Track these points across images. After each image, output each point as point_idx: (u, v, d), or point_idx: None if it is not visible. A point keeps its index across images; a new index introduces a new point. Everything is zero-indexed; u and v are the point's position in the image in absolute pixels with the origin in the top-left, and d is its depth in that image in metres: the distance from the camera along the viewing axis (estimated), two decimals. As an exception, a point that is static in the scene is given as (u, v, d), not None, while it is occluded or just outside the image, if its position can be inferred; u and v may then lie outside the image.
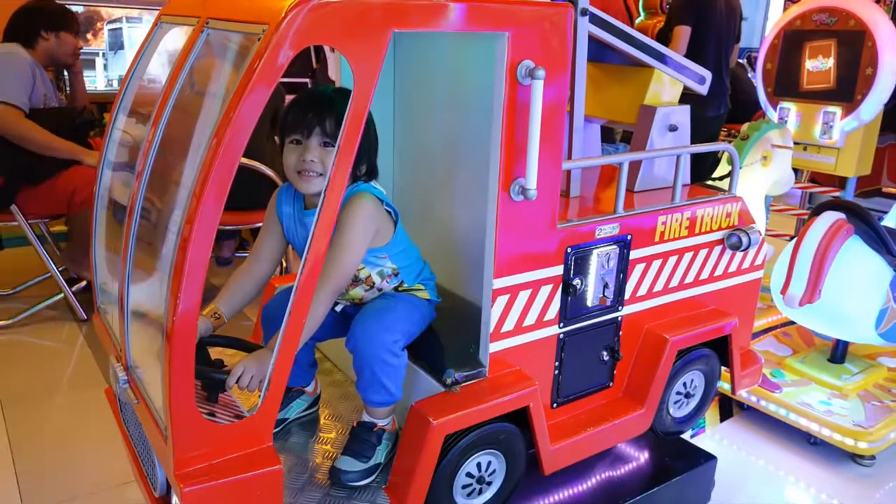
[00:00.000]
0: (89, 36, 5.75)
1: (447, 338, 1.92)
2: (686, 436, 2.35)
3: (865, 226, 2.65)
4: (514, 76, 1.59)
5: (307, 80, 5.20)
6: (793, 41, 3.55)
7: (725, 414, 3.02)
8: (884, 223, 2.88)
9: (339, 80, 2.16)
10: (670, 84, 2.41)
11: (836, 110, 3.40)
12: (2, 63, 3.47)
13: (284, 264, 3.48)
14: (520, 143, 1.64)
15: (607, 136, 4.57)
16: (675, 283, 2.13)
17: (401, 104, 2.26)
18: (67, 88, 4.23)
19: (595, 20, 2.12)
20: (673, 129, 2.36)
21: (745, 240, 2.17)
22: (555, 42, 1.64)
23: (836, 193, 3.68)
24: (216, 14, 1.54)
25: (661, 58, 2.32)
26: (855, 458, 2.69)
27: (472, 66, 1.97)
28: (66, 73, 4.20)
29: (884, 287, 2.63)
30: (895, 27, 3.26)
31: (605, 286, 1.94)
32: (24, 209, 3.56)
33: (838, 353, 3.03)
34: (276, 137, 2.31)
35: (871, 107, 3.30)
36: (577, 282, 1.86)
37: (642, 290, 2.05)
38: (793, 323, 3.23)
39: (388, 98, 2.26)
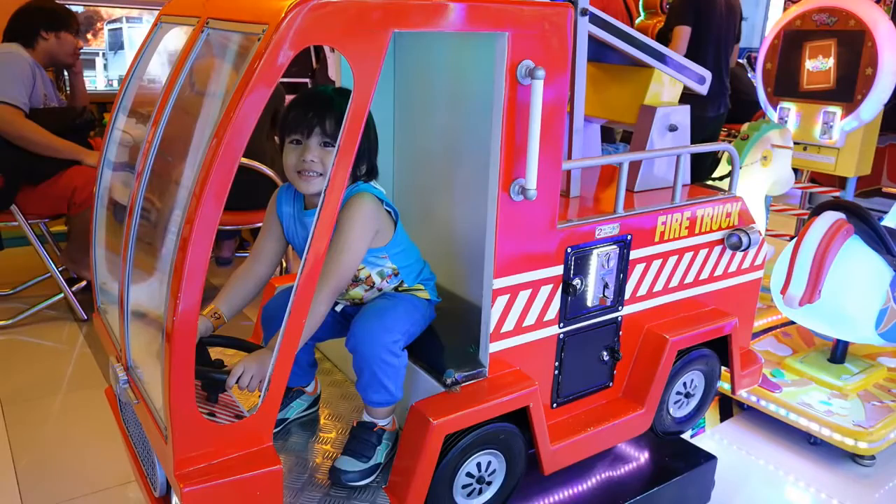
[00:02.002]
0: (89, 36, 5.74)
1: (447, 338, 1.92)
2: (686, 436, 2.35)
3: (865, 226, 2.65)
4: (514, 76, 1.59)
5: (307, 80, 5.21)
6: (793, 41, 3.55)
7: (725, 414, 3.02)
8: (884, 223, 2.88)
9: (339, 80, 2.16)
10: (670, 84, 2.41)
11: (836, 110, 3.40)
12: (2, 63, 3.47)
13: (284, 264, 3.49)
14: (520, 143, 1.64)
15: (607, 136, 4.57)
16: (675, 283, 2.13)
17: (401, 104, 2.26)
18: (67, 88, 4.23)
19: (595, 20, 2.12)
20: (673, 129, 2.36)
21: (745, 240, 2.17)
22: (555, 42, 1.64)
23: (836, 193, 3.68)
24: (216, 14, 1.54)
25: (661, 58, 2.32)
26: (855, 458, 2.69)
27: (472, 66, 1.97)
28: (66, 73, 4.20)
29: (884, 287, 2.63)
30: (895, 27, 3.26)
31: (605, 286, 1.94)
32: (25, 209, 3.56)
33: (838, 353, 3.03)
34: (275, 137, 2.31)
35: (871, 107, 3.30)
36: (577, 282, 1.86)
37: (642, 290, 2.05)
38: (793, 323, 3.23)
39: (388, 98, 2.26)
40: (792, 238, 2.86)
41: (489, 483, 1.81)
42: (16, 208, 3.53)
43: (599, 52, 2.33)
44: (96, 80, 5.89)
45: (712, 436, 2.85)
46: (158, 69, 1.86)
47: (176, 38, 1.78)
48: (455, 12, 1.49)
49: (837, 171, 3.55)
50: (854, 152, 3.46)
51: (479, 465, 1.76)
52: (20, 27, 3.67)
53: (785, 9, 4.58)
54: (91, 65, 5.81)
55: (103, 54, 5.91)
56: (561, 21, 1.63)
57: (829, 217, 2.65)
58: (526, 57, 1.59)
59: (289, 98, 1.92)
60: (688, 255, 2.13)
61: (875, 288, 2.64)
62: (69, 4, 4.67)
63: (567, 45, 1.67)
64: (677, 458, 2.25)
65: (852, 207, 2.69)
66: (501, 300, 1.75)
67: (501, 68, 1.59)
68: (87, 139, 3.73)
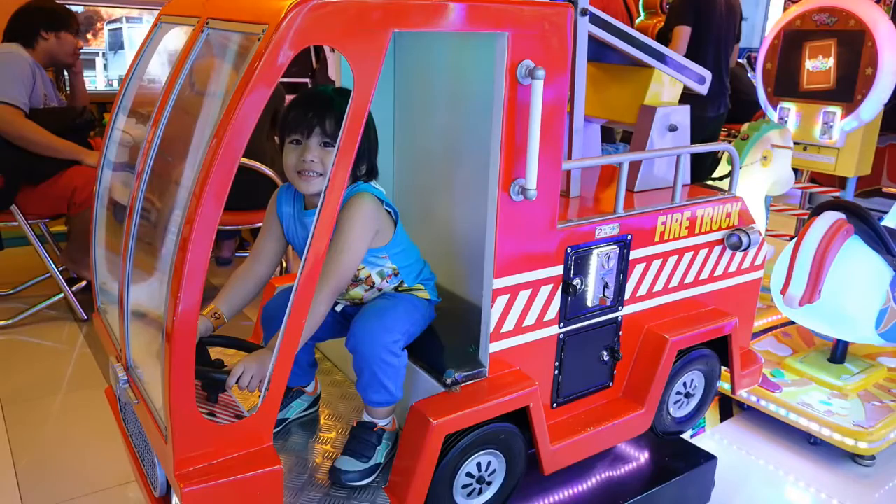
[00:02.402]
0: (89, 36, 5.75)
1: (447, 338, 1.92)
2: (686, 436, 2.35)
3: (865, 226, 2.65)
4: (514, 76, 1.59)
5: (307, 80, 5.21)
6: (793, 41, 3.55)
7: (725, 414, 3.02)
8: (884, 223, 2.88)
9: (338, 80, 2.16)
10: (670, 84, 2.41)
11: (836, 110, 3.40)
12: (2, 63, 3.47)
13: (284, 264, 3.49)
14: (520, 143, 1.64)
15: (607, 136, 4.57)
16: (675, 283, 2.13)
17: (401, 104, 2.26)
18: (67, 88, 4.23)
19: (595, 20, 2.12)
20: (673, 129, 2.36)
21: (745, 240, 2.17)
22: (555, 42, 1.64)
23: (836, 193, 3.68)
24: (216, 14, 1.54)
25: (661, 58, 2.32)
26: (855, 458, 2.69)
27: (472, 67, 1.97)
28: (66, 73, 4.20)
29: (884, 287, 2.63)
30: (895, 27, 3.26)
31: (605, 286, 1.93)
32: (25, 209, 3.56)
33: (838, 353, 3.03)
34: (275, 137, 2.31)
35: (871, 107, 3.30)
36: (577, 282, 1.86)
37: (642, 290, 2.05)
38: (793, 323, 3.23)
39: (388, 98, 2.26)
40: (792, 238, 2.86)
41: (489, 483, 1.81)
42: (16, 208, 3.53)
43: (599, 52, 2.33)
44: (96, 80, 5.89)
45: (712, 436, 2.85)
46: (158, 69, 1.86)
47: (176, 38, 1.78)
48: (455, 12, 1.49)
49: (837, 171, 3.55)
50: (854, 152, 3.46)
51: (479, 465, 1.76)
52: (20, 27, 3.67)
53: (785, 9, 4.58)
54: (91, 65, 5.81)
55: (103, 54, 5.91)
56: (561, 21, 1.63)
57: (829, 217, 2.65)
58: (526, 57, 1.59)
59: (289, 98, 1.92)
60: (688, 255, 2.13)
61: (875, 288, 2.64)
62: (69, 4, 4.67)
63: (567, 45, 1.67)
64: (677, 458, 2.25)
65: (852, 207, 2.69)
66: (501, 300, 1.75)
67: (501, 68, 1.59)
68: (87, 139, 3.73)
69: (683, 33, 4.25)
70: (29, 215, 3.58)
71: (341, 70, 2.16)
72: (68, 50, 3.79)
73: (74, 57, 3.89)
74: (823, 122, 3.44)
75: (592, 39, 2.16)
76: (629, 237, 1.96)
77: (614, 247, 1.93)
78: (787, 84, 3.59)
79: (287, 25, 1.29)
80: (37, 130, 3.43)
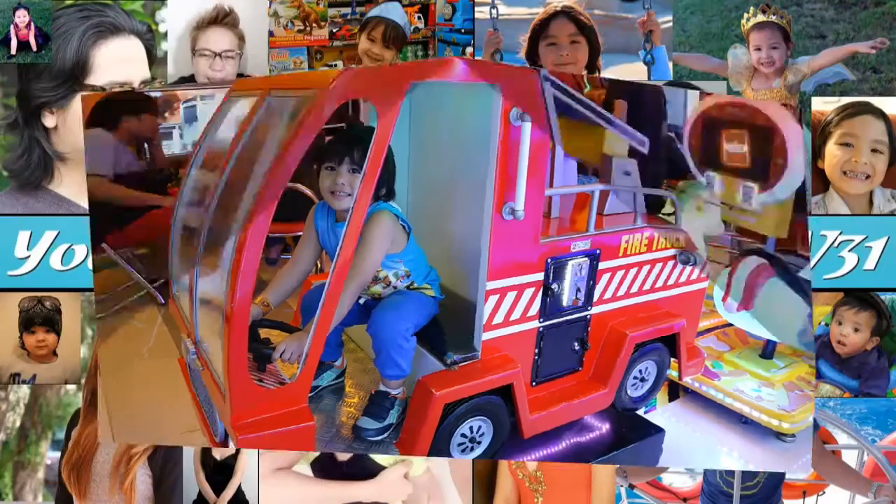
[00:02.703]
0: (167, 114, 5.70)
1: (448, 327, 1.92)
2: (640, 412, 2.34)
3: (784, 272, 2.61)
4: (507, 119, 1.62)
5: (342, 126, 5.21)
6: (712, 125, 3.37)
7: (673, 396, 2.98)
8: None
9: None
10: (619, 140, 2.40)
11: (754, 185, 3.23)
12: (87, 145, 3.45)
13: (319, 265, 3.49)
14: (511, 173, 1.67)
15: (583, 168, 4.53)
16: (635, 289, 2.13)
17: (415, 142, 2.27)
18: (147, 157, 4.19)
19: (555, 86, 2.12)
20: (627, 174, 2.36)
21: (692, 257, 2.18)
22: (531, 97, 1.67)
23: (760, 246, 3.54)
24: (277, 87, 1.59)
25: (609, 121, 2.31)
26: (779, 435, 2.66)
27: (471, 113, 1.97)
28: (146, 145, 4.15)
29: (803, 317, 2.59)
30: (800, 127, 3.11)
31: (578, 290, 1.95)
32: (113, 243, 3.54)
33: (768, 350, 2.99)
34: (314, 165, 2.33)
35: (785, 190, 3.11)
36: (554, 286, 1.87)
37: (608, 294, 2.05)
38: (731, 325, 3.21)
39: (405, 138, 2.27)
40: (727, 267, 2.81)
41: (479, 442, 1.81)
42: (106, 245, 3.52)
43: (567, 110, 2.31)
44: (172, 147, 5.84)
45: (662, 413, 2.81)
46: (227, 131, 1.90)
47: (242, 107, 1.83)
48: (459, 67, 1.54)
49: (757, 229, 3.38)
50: (772, 219, 3.25)
51: (471, 428, 1.77)
52: (102, 114, 3.59)
53: (701, 98, 4.36)
54: (168, 136, 5.76)
55: (179, 127, 5.86)
56: (532, 81, 1.69)
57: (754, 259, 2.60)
58: (514, 105, 1.62)
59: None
60: (646, 267, 2.14)
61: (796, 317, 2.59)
62: (149, 92, 4.64)
63: (539, 100, 1.70)
64: (632, 430, 2.23)
65: (773, 256, 2.64)
66: (493, 299, 1.76)
67: (497, 112, 1.62)
68: (166, 190, 3.71)
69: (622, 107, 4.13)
70: (117, 248, 3.58)
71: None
72: (147, 128, 3.75)
73: (153, 132, 3.85)
74: (743, 192, 3.27)
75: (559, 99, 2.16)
76: (598, 251, 1.97)
77: (586, 259, 1.94)
78: (709, 158, 3.39)
79: (333, 87, 1.35)
80: (120, 189, 3.41)
